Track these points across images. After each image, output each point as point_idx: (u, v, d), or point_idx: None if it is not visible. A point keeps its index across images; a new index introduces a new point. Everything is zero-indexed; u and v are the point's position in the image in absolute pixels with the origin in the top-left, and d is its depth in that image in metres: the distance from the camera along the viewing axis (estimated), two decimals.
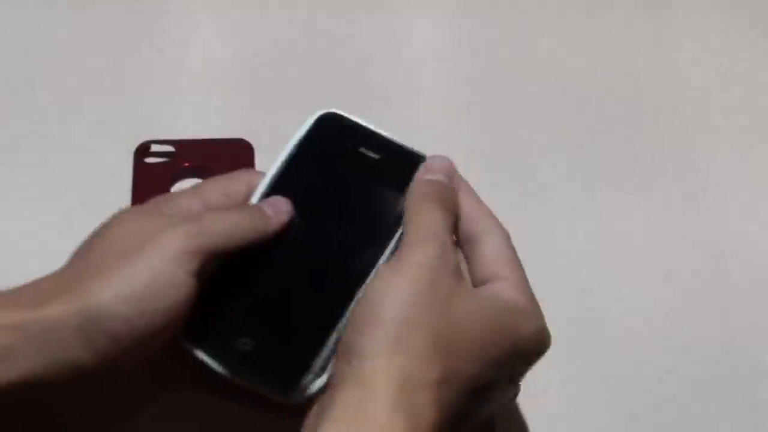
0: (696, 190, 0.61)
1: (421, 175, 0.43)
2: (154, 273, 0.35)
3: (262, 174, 0.42)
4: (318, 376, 0.37)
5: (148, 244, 0.36)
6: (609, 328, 0.55)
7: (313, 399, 0.37)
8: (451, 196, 0.42)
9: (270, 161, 0.58)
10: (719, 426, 0.52)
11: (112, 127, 0.61)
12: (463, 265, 0.41)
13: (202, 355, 0.38)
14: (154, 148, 0.58)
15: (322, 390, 0.37)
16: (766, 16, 0.69)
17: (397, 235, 0.40)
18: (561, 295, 0.56)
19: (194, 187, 0.42)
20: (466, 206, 0.43)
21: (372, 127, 0.43)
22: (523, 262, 0.58)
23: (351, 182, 0.41)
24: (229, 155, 0.57)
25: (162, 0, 0.67)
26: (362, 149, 0.42)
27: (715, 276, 0.57)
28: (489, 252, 0.41)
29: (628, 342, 0.55)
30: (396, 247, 0.40)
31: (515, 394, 0.43)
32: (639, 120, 0.64)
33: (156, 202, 0.41)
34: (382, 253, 0.40)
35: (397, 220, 0.40)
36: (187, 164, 0.57)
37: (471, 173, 0.61)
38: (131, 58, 0.64)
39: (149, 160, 0.58)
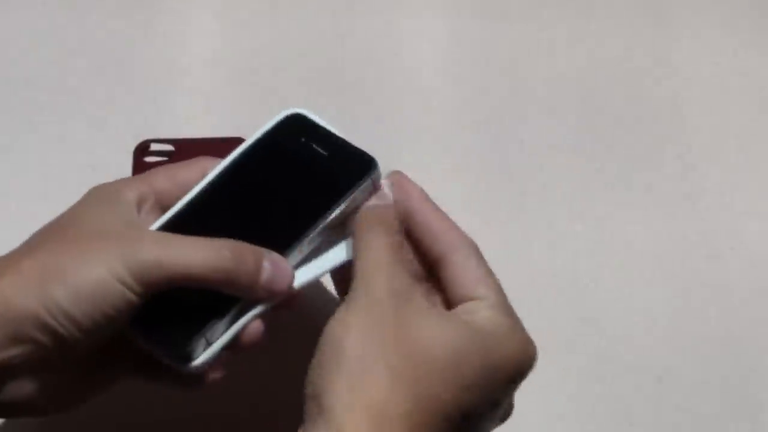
0: (696, 190, 0.61)
1: (368, 203, 0.42)
2: (101, 284, 0.36)
3: (218, 161, 0.43)
4: (204, 349, 0.39)
5: (103, 254, 0.37)
6: (609, 328, 0.55)
7: (200, 371, 0.39)
8: (394, 218, 0.41)
9: None
10: (719, 426, 0.52)
11: (111, 126, 0.61)
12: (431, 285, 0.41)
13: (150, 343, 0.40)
14: (154, 146, 0.58)
15: (209, 363, 0.39)
16: (766, 16, 0.69)
17: (319, 225, 0.41)
18: (561, 295, 0.56)
19: (146, 174, 0.43)
20: (426, 223, 0.42)
21: (330, 127, 0.44)
22: (523, 262, 0.58)
23: (295, 171, 0.43)
24: (228, 154, 0.57)
25: (162, 0, 0.67)
26: (314, 145, 0.43)
27: (715, 276, 0.57)
28: (461, 270, 0.41)
29: (628, 342, 0.55)
30: (325, 229, 0.41)
31: (506, 415, 0.42)
32: (639, 120, 0.64)
33: (117, 187, 0.42)
34: (305, 234, 0.41)
35: (330, 205, 0.42)
36: None
37: (471, 173, 0.61)
38: (131, 58, 0.64)
39: (149, 158, 0.58)
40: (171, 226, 0.41)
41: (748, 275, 0.57)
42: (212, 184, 0.42)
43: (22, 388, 0.38)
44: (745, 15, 0.69)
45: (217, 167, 0.43)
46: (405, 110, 0.63)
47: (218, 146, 0.58)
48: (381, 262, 0.39)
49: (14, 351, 0.36)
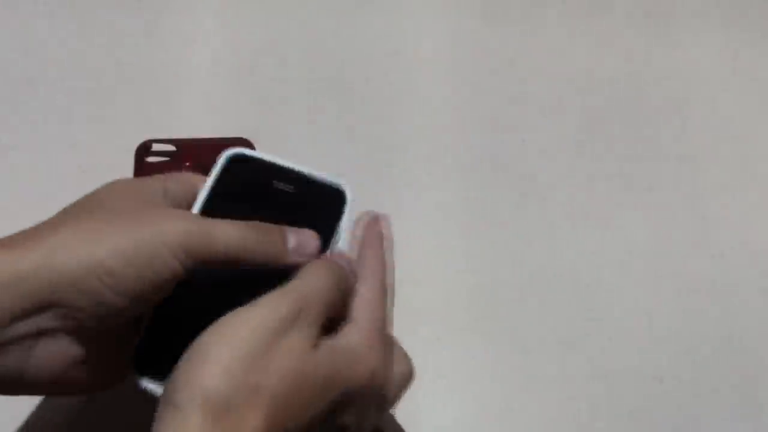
0: (696, 190, 0.61)
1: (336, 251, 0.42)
2: (150, 248, 0.37)
3: (203, 179, 0.43)
4: None
5: (152, 221, 0.37)
6: (609, 328, 0.55)
7: None
8: (346, 280, 0.41)
9: None
10: (719, 426, 0.52)
11: (113, 127, 0.61)
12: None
13: (152, 385, 0.39)
14: (156, 147, 0.58)
15: None
16: (766, 16, 0.69)
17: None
18: (561, 295, 0.56)
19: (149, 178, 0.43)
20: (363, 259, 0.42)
21: (280, 161, 0.43)
22: (523, 262, 0.58)
23: (271, 215, 0.42)
24: None
25: (162, 0, 0.67)
26: (275, 183, 0.43)
27: (715, 276, 0.57)
28: (357, 296, 0.41)
29: (628, 342, 0.55)
30: None
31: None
32: (639, 120, 0.64)
33: (140, 180, 0.43)
34: None
35: (325, 244, 0.41)
36: (188, 163, 0.57)
37: (471, 173, 0.61)
38: (132, 58, 0.64)
39: (150, 159, 0.58)
40: None
41: (749, 275, 0.57)
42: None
43: (56, 356, 0.37)
44: (746, 15, 0.69)
45: None
46: (405, 110, 0.63)
47: (220, 146, 0.58)
48: (306, 294, 0.38)
49: (51, 316, 0.36)
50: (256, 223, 0.40)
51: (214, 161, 0.57)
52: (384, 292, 0.42)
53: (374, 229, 0.44)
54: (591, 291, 0.56)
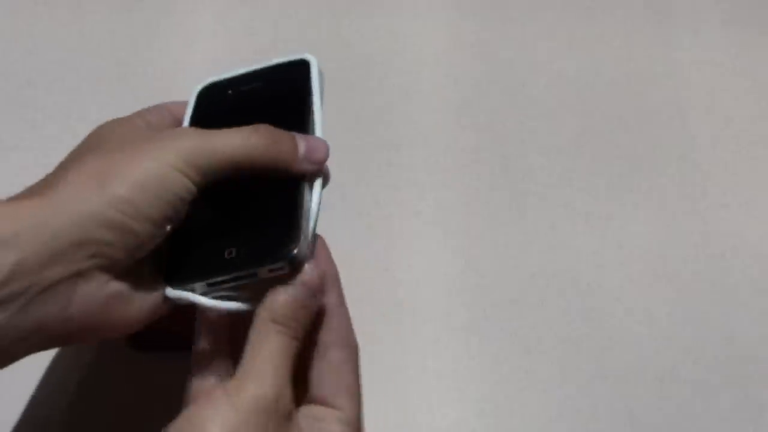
0: (696, 190, 0.61)
1: (275, 294, 0.40)
2: (161, 174, 0.38)
3: (179, 105, 0.45)
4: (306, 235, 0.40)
5: (155, 149, 0.38)
6: (609, 328, 0.55)
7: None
8: (302, 320, 0.40)
9: None
10: (719, 426, 0.52)
11: None
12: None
13: (197, 287, 0.40)
14: None
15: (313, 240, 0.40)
16: (766, 16, 0.69)
17: (314, 125, 0.43)
18: (561, 295, 0.56)
19: (139, 112, 0.44)
20: (327, 310, 0.41)
21: (245, 70, 0.45)
22: (523, 262, 0.58)
23: (249, 111, 0.43)
24: None
25: (162, 0, 0.67)
26: (244, 88, 0.44)
27: (715, 276, 0.57)
28: (333, 371, 0.40)
29: (628, 342, 0.55)
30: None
31: None
32: (639, 120, 0.64)
33: (124, 118, 0.44)
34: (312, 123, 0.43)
35: (304, 115, 0.43)
36: None
37: (471, 173, 0.61)
38: (131, 58, 0.65)
39: None
40: None
41: (749, 275, 0.57)
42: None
43: (97, 298, 0.38)
44: (746, 15, 0.69)
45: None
46: (405, 110, 0.63)
47: None
48: (276, 366, 0.37)
49: (82, 255, 0.36)
50: (264, 126, 0.41)
51: None
52: (357, 362, 0.41)
53: (333, 286, 0.42)
54: (591, 291, 0.56)
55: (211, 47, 0.65)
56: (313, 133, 0.43)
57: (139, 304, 0.40)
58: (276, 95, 0.44)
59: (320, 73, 0.45)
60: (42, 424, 0.50)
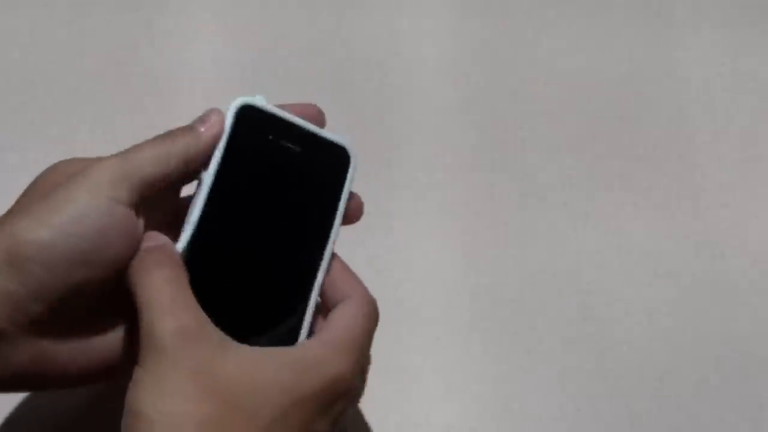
0: (696, 190, 0.61)
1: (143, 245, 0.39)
2: (77, 201, 0.36)
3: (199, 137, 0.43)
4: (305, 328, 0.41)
5: (73, 178, 0.37)
6: (609, 328, 0.55)
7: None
8: (171, 256, 0.38)
9: None
10: (719, 426, 0.52)
11: (112, 127, 0.61)
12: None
13: None
14: None
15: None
16: (766, 16, 0.69)
17: (337, 221, 0.43)
18: (561, 295, 0.56)
19: (130, 152, 0.42)
20: (333, 271, 0.42)
21: (291, 118, 0.44)
22: (523, 262, 0.58)
23: (279, 176, 0.43)
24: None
25: (162, 0, 0.67)
26: (283, 143, 0.43)
27: (715, 276, 0.57)
28: (335, 317, 0.39)
29: (628, 342, 0.55)
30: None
31: None
32: (639, 120, 0.64)
33: (86, 164, 0.41)
34: (327, 236, 0.42)
35: (330, 208, 0.43)
36: None
37: (471, 173, 0.61)
38: (131, 58, 0.64)
39: None
40: (193, 256, 0.40)
41: (749, 275, 0.57)
42: (209, 206, 0.41)
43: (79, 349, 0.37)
44: (746, 15, 0.69)
45: (202, 187, 0.41)
46: (405, 110, 0.63)
47: None
48: (161, 303, 0.36)
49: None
50: (169, 132, 0.40)
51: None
52: (366, 307, 0.40)
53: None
54: (591, 291, 0.56)
55: (211, 47, 0.65)
56: (332, 223, 0.42)
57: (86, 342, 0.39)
58: (311, 171, 0.43)
59: (356, 161, 0.44)
60: (42, 424, 0.50)
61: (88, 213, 0.36)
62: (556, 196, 0.60)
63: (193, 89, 0.63)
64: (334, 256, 0.43)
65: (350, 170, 0.44)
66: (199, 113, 0.61)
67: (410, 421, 0.51)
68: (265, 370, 0.36)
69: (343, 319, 0.39)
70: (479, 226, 0.59)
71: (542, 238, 0.58)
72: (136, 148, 0.39)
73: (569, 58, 0.66)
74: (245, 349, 0.37)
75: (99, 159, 0.39)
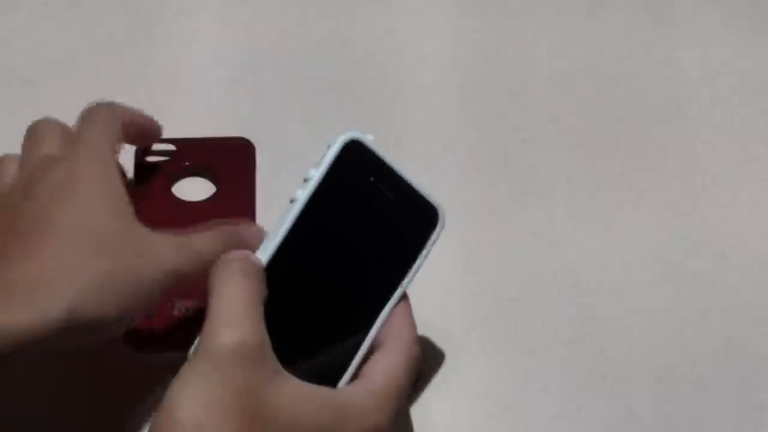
0: (696, 190, 0.61)
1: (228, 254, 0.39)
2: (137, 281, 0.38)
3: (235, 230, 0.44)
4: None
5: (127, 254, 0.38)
6: (609, 328, 0.55)
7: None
8: (256, 269, 0.38)
9: (271, 160, 0.59)
10: (719, 426, 0.52)
11: None
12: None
13: None
14: (155, 146, 0.58)
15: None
16: (766, 16, 0.69)
17: (408, 276, 0.43)
18: (561, 295, 0.56)
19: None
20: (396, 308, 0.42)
21: (390, 163, 0.44)
22: (523, 262, 0.58)
23: (367, 219, 0.43)
24: (230, 153, 0.58)
25: (162, 0, 0.67)
26: (381, 186, 0.43)
27: (715, 276, 0.57)
28: (381, 366, 0.39)
29: (628, 342, 0.55)
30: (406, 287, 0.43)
31: None
32: (639, 119, 0.64)
33: None
34: (395, 288, 0.42)
35: (406, 263, 0.43)
36: (188, 163, 0.57)
37: (471, 173, 0.61)
38: (131, 58, 0.64)
39: (150, 158, 0.57)
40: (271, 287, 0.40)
41: (749, 275, 0.57)
42: (295, 227, 0.41)
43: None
44: (746, 15, 0.69)
45: (292, 209, 0.41)
46: (405, 110, 0.63)
47: (220, 146, 0.58)
48: (232, 312, 0.35)
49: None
50: (222, 228, 0.40)
51: (214, 161, 0.58)
52: (411, 361, 0.40)
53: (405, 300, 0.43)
54: (591, 291, 0.56)
55: (211, 47, 0.65)
56: (403, 277, 0.43)
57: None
58: (399, 222, 0.43)
59: (444, 224, 0.44)
60: (42, 423, 0.50)
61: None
62: (556, 196, 0.60)
63: (193, 89, 0.63)
64: (405, 296, 0.43)
65: (436, 232, 0.44)
66: (199, 113, 0.61)
67: (410, 421, 0.51)
68: (308, 408, 0.35)
69: (389, 370, 0.39)
70: (479, 226, 0.59)
71: (542, 238, 0.58)
72: (194, 238, 0.40)
73: (569, 58, 0.66)
74: (294, 382, 0.36)
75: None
